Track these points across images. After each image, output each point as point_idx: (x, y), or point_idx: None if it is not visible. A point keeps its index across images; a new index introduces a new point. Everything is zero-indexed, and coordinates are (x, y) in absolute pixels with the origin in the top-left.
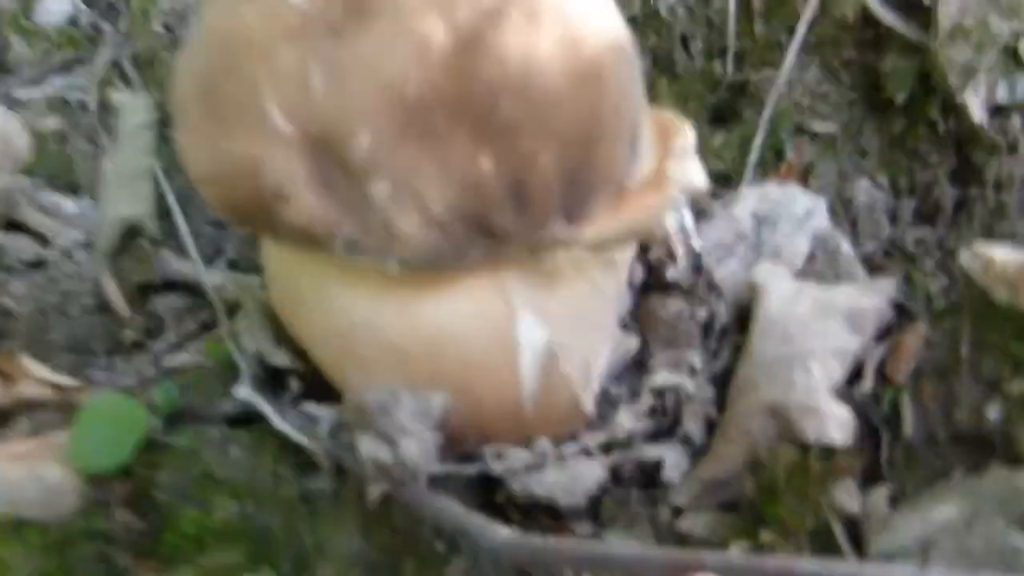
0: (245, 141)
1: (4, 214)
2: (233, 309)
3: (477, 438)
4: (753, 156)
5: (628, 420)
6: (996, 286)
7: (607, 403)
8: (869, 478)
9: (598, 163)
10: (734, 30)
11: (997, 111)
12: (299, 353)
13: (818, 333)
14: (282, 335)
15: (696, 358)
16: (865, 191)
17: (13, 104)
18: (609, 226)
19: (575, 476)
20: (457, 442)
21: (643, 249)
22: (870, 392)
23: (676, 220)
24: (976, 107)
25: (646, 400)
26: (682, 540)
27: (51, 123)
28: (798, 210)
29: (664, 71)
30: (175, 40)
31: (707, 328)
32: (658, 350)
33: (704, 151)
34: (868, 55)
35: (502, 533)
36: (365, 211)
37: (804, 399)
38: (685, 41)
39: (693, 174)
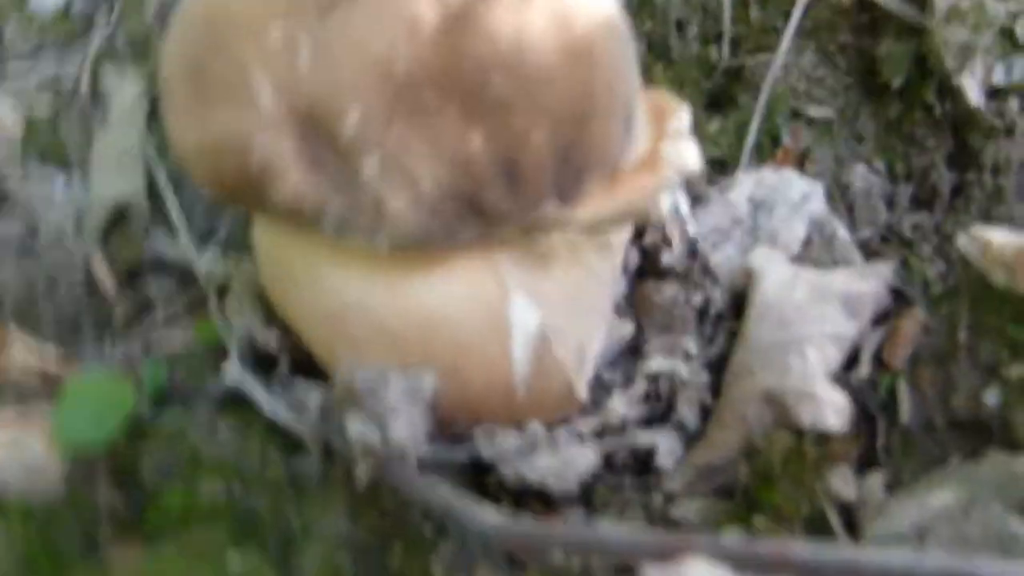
0: (233, 119)
1: None
2: (223, 290)
3: (468, 422)
4: (749, 141)
5: (622, 405)
6: (994, 269)
7: (601, 388)
8: (865, 464)
9: (591, 141)
10: (729, 15)
11: (994, 94)
12: (289, 334)
13: (814, 318)
14: (272, 316)
15: (691, 343)
16: (862, 176)
17: (5, 88)
18: (603, 207)
19: (567, 461)
20: (448, 426)
21: (638, 234)
22: (867, 377)
23: (671, 204)
24: (973, 90)
25: (640, 386)
26: (675, 526)
27: (43, 106)
28: (794, 195)
29: (659, 57)
30: (167, 24)
31: (702, 313)
32: (653, 335)
33: (700, 136)
34: (864, 39)
35: (491, 516)
36: (354, 189)
37: (800, 384)
38: (680, 26)
39: (688, 155)
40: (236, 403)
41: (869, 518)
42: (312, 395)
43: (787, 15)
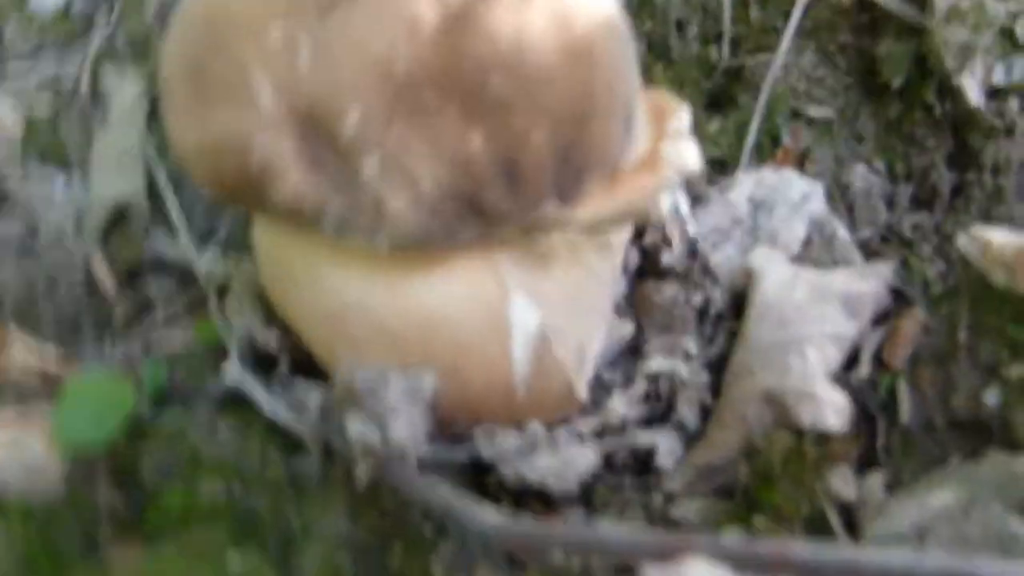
0: (233, 119)
1: None
2: (223, 290)
3: (468, 422)
4: (749, 141)
5: (622, 405)
6: (994, 269)
7: (601, 388)
8: (865, 464)
9: (591, 141)
10: (730, 15)
11: (994, 93)
12: (289, 334)
13: (814, 318)
14: (272, 316)
15: (691, 343)
16: (862, 176)
17: (5, 88)
18: (603, 206)
19: (567, 461)
20: (448, 426)
21: (638, 234)
22: (867, 377)
23: (672, 204)
24: (973, 90)
25: (640, 386)
26: (675, 526)
27: (43, 106)
28: (794, 195)
29: (659, 57)
30: (167, 24)
31: (702, 313)
32: (653, 335)
33: (700, 136)
34: (864, 39)
35: (491, 516)
36: (354, 189)
37: (800, 384)
38: (680, 26)
39: (688, 155)
40: (236, 403)
41: (869, 518)
42: (312, 395)
43: (787, 15)
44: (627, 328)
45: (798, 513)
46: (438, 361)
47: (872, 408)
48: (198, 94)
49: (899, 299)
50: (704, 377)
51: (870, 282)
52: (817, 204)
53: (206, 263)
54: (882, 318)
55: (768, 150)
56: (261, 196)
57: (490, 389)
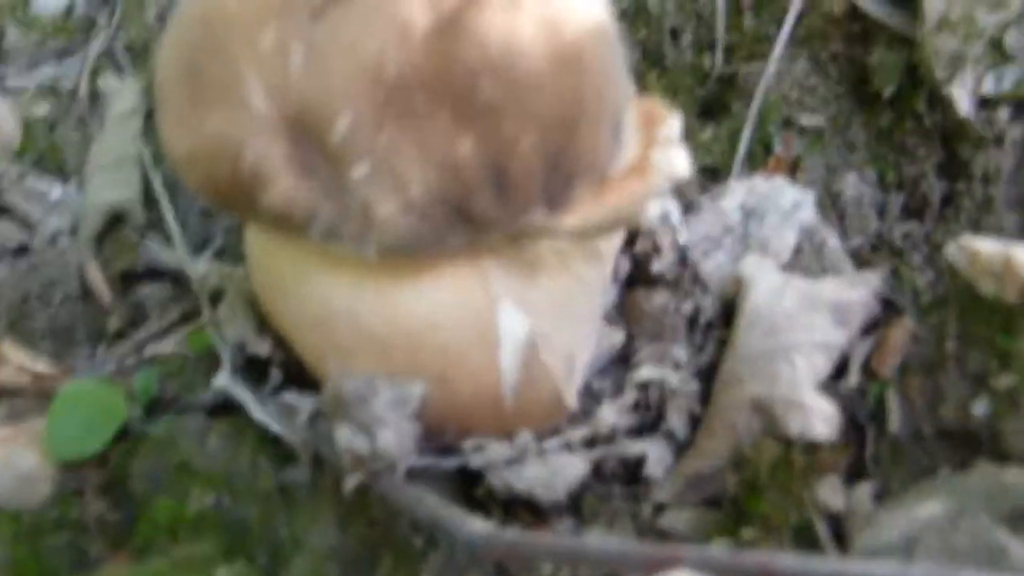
0: (226, 123)
1: None
2: (217, 298)
3: (457, 431)
4: (741, 149)
5: (611, 414)
6: (982, 279)
7: (590, 397)
8: (853, 474)
9: (580, 147)
10: (723, 23)
11: (984, 103)
12: (281, 343)
13: (804, 327)
14: (265, 325)
15: (681, 352)
16: (853, 185)
17: (4, 91)
18: (592, 213)
19: (556, 471)
20: (436, 435)
21: (629, 242)
22: (855, 387)
23: (662, 212)
24: (963, 99)
25: (630, 395)
26: (664, 537)
27: (41, 110)
28: (785, 203)
29: (653, 64)
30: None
31: (692, 322)
32: (643, 344)
33: (693, 144)
34: (856, 49)
35: (479, 526)
36: (344, 194)
37: (788, 393)
38: (674, 34)
39: (677, 162)
40: (228, 412)
41: (857, 528)
42: (303, 404)
43: (780, 24)
44: (617, 336)
45: (786, 523)
46: (426, 369)
47: (861, 417)
48: (193, 97)
49: (888, 308)
50: (694, 386)
51: (860, 291)
52: (808, 212)
53: (200, 271)
54: (871, 327)
55: (760, 158)
56: (252, 202)
57: (479, 398)
